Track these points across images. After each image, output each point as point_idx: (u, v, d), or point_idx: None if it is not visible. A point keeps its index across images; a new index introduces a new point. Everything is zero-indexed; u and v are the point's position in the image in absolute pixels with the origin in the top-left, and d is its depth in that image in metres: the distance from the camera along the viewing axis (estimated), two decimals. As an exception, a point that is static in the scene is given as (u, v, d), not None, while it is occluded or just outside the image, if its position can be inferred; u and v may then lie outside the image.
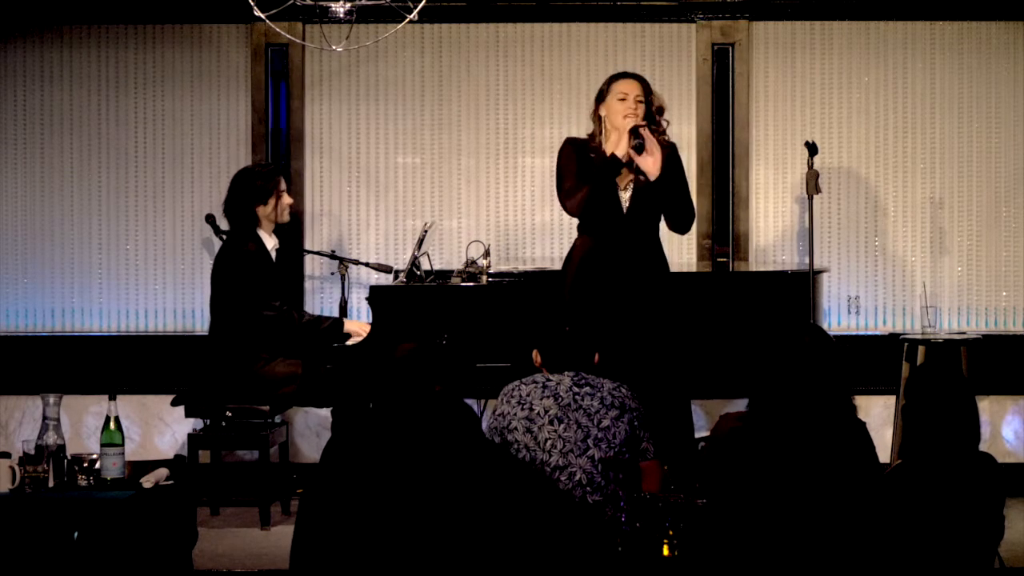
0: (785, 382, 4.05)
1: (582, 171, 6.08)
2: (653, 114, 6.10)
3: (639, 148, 5.98)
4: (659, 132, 6.09)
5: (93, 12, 7.68)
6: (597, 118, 6.14)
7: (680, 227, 6.19)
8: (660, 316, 6.02)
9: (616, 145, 6.04)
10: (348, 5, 6.86)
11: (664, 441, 5.13)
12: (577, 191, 6.06)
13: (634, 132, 5.98)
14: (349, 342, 6.68)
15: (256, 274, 6.61)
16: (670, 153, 6.10)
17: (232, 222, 6.76)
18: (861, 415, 4.20)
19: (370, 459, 4.16)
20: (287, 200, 6.79)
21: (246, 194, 6.71)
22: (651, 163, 5.96)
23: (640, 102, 6.06)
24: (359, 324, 6.76)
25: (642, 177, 6.03)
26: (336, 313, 7.12)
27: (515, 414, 4.95)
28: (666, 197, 6.03)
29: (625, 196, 6.07)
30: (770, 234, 7.68)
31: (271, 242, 6.75)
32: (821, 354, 4.08)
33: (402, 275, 6.84)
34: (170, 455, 7.33)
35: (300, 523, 4.23)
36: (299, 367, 6.58)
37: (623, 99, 6.06)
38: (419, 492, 3.91)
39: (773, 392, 4.07)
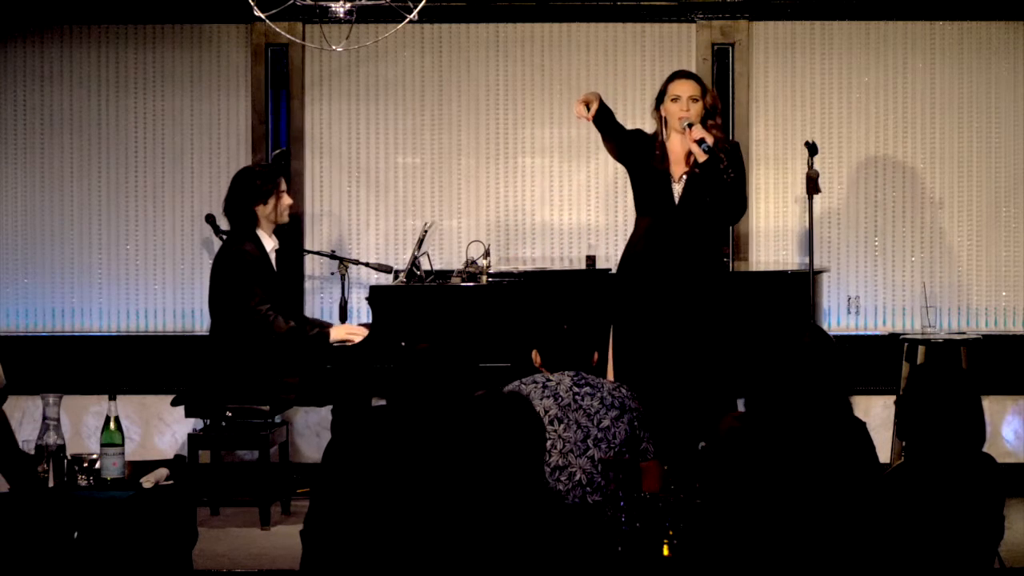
0: (785, 382, 4.05)
1: (629, 141, 6.30)
2: (709, 112, 6.24)
3: (690, 125, 6.15)
4: (715, 127, 6.24)
5: (93, 12, 7.68)
6: (659, 118, 6.30)
7: (727, 218, 6.42)
8: (703, 309, 6.11)
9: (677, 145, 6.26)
10: (348, 5, 6.86)
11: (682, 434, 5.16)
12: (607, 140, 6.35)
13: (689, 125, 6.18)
14: (349, 342, 6.67)
15: (250, 276, 6.59)
16: (732, 149, 6.26)
17: (232, 222, 6.76)
18: (861, 415, 4.21)
19: (371, 459, 4.16)
20: (287, 200, 6.79)
21: (246, 194, 6.70)
22: (699, 133, 6.09)
23: (694, 100, 6.21)
24: (349, 330, 6.70)
25: (696, 169, 6.14)
26: (336, 314, 7.11)
27: (515, 414, 4.95)
28: (715, 185, 6.14)
29: (678, 188, 6.22)
30: (770, 234, 7.68)
31: (270, 243, 6.75)
32: (821, 354, 4.08)
33: (402, 275, 6.84)
34: (170, 455, 7.32)
35: (309, 523, 4.24)
36: (296, 380, 6.59)
37: (676, 100, 6.21)
38: (420, 492, 3.92)
39: (773, 392, 4.07)
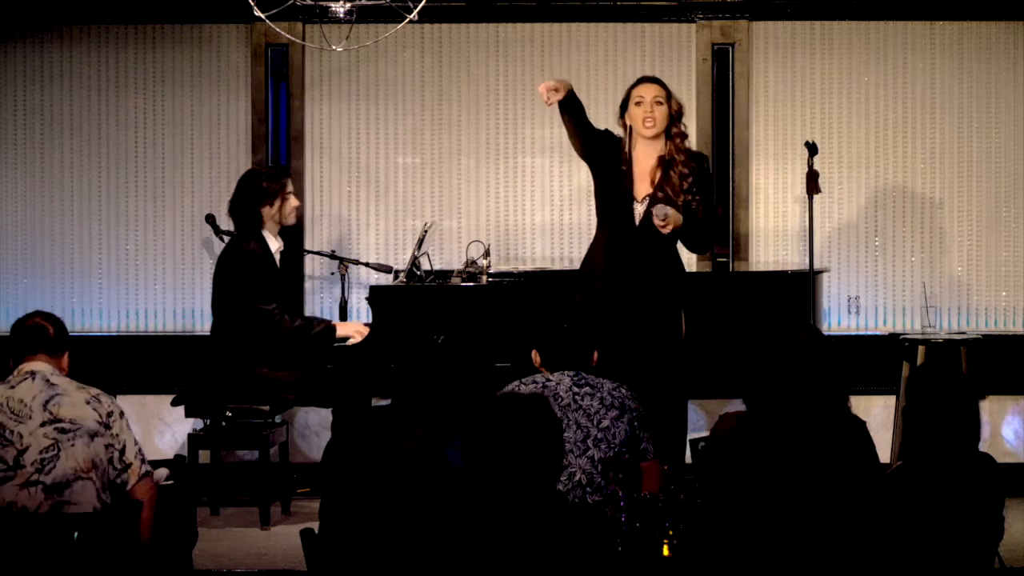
0: (780, 383, 4.05)
1: (597, 139, 6.11)
2: (675, 117, 6.11)
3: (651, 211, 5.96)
4: (680, 136, 6.11)
5: (93, 12, 7.68)
6: (624, 127, 6.14)
7: (696, 249, 6.25)
8: (665, 319, 6.03)
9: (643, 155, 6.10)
10: (348, 5, 6.87)
11: (657, 442, 5.12)
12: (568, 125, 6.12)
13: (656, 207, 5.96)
14: (349, 342, 6.67)
15: (256, 275, 6.60)
16: (698, 167, 6.10)
17: (237, 223, 6.75)
18: (861, 415, 4.21)
19: (370, 458, 4.16)
20: (294, 202, 6.78)
21: (252, 195, 6.69)
22: (661, 212, 5.93)
23: (659, 103, 6.08)
24: (354, 326, 6.72)
25: (660, 194, 6.02)
26: (336, 314, 7.12)
27: (515, 414, 4.94)
28: (687, 225, 6.01)
29: (639, 208, 6.08)
30: (770, 234, 7.68)
31: (275, 244, 6.74)
32: (819, 354, 4.08)
33: (402, 275, 6.85)
34: (170, 455, 7.32)
35: (321, 523, 4.25)
36: (296, 375, 6.59)
37: (639, 103, 6.08)
38: (421, 492, 3.92)
39: (772, 392, 4.07)
